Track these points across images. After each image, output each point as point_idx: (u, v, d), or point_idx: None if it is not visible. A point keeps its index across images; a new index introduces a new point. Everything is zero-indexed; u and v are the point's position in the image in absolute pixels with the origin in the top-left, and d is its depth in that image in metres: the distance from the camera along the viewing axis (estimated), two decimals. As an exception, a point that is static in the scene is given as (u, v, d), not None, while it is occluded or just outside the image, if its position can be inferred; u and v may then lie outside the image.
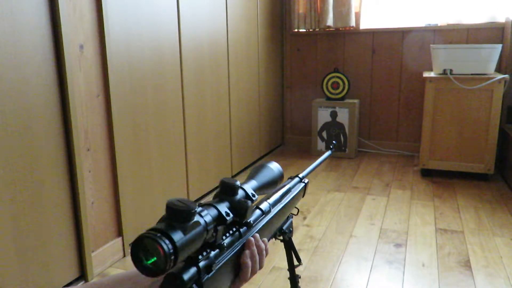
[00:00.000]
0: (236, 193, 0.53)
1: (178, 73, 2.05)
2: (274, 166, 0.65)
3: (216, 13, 2.38)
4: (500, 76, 2.45)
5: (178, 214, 0.42)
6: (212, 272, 0.49)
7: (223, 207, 0.50)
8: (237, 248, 0.55)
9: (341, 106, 3.21)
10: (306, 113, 3.51)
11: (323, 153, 3.51)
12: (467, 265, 1.64)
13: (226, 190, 0.52)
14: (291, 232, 0.78)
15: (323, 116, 3.27)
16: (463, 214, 2.14)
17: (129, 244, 0.42)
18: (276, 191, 0.70)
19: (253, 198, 0.56)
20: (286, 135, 3.68)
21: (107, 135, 1.61)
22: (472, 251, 1.75)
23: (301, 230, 1.97)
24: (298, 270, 1.60)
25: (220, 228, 0.50)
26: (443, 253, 1.73)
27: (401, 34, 3.19)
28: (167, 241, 0.39)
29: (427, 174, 2.75)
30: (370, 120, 3.41)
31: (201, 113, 2.28)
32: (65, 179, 1.43)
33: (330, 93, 3.26)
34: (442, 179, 2.68)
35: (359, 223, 2.05)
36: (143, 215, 1.86)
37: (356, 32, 3.31)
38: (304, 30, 3.41)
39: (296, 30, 3.42)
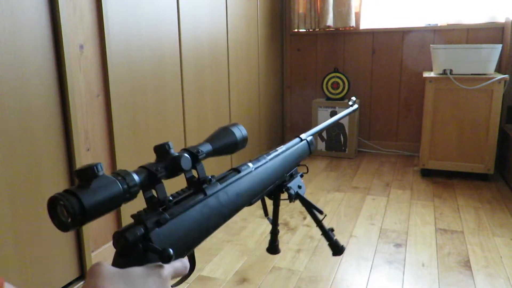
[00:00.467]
0: (168, 152, 0.53)
1: (178, 73, 2.05)
2: (236, 128, 0.64)
3: (216, 13, 2.38)
4: (500, 76, 2.45)
5: (83, 174, 0.43)
6: (163, 226, 0.49)
7: (154, 166, 0.51)
8: (200, 205, 0.55)
9: (341, 106, 3.21)
10: (306, 113, 3.51)
11: (323, 153, 3.46)
12: (467, 265, 1.64)
13: (159, 152, 0.53)
14: (300, 188, 0.78)
15: (323, 116, 3.27)
16: (463, 214, 2.14)
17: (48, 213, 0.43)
18: (273, 152, 0.70)
19: (198, 155, 0.56)
20: (286, 135, 3.68)
21: (107, 135, 1.61)
22: (472, 251, 1.75)
23: (301, 230, 1.97)
24: (297, 270, 1.60)
25: (160, 185, 0.51)
26: (443, 253, 1.73)
27: (401, 34, 3.19)
28: (73, 200, 0.41)
29: (427, 174, 2.75)
30: (370, 120, 3.41)
31: (201, 113, 2.28)
32: (65, 179, 1.43)
33: (330, 93, 3.26)
34: (442, 179, 2.68)
35: (359, 223, 2.05)
36: (143, 215, 1.86)
37: (356, 32, 3.31)
38: (304, 30, 3.41)
39: (296, 30, 3.42)
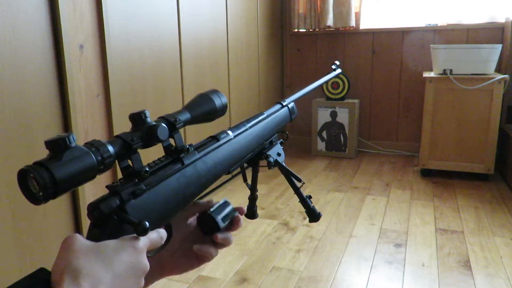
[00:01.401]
0: (145, 121, 0.51)
1: (178, 73, 2.05)
2: (215, 95, 0.61)
3: (216, 13, 2.39)
4: (500, 76, 2.45)
5: (54, 145, 0.42)
6: (139, 197, 0.48)
7: (129, 136, 0.49)
8: (178, 174, 0.54)
9: (341, 106, 3.21)
10: (306, 113, 3.51)
11: (323, 153, 3.46)
12: (467, 265, 1.64)
13: (135, 121, 0.51)
14: (280, 156, 0.76)
15: (323, 116, 3.27)
16: (463, 214, 2.14)
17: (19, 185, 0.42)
18: (253, 119, 0.68)
19: (176, 124, 0.54)
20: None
21: (107, 135, 1.61)
22: (472, 251, 1.75)
23: (301, 230, 1.97)
24: (297, 270, 1.60)
25: (135, 156, 0.49)
26: (443, 253, 1.73)
27: (401, 34, 3.19)
28: (44, 173, 0.40)
29: (427, 174, 2.75)
30: (370, 120, 3.41)
31: (201, 113, 2.28)
32: (65, 179, 1.43)
33: (330, 93, 3.26)
34: (442, 179, 2.68)
35: (359, 223, 2.05)
36: (143, 215, 1.86)
37: (356, 32, 3.31)
38: (304, 30, 3.41)
39: (296, 30, 3.42)
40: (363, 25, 3.31)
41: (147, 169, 0.50)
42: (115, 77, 1.61)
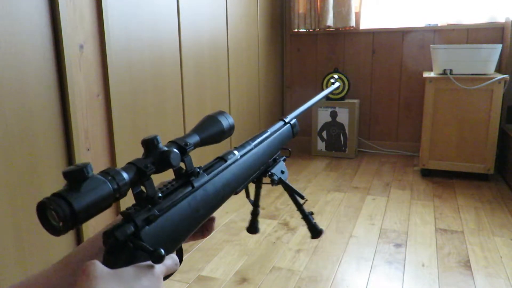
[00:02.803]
0: (157, 146, 0.52)
1: (178, 73, 2.05)
2: (222, 117, 0.63)
3: (216, 13, 2.39)
4: (500, 76, 2.45)
5: (72, 176, 0.43)
6: (153, 223, 0.49)
7: (143, 162, 0.50)
8: (189, 198, 0.55)
9: (341, 106, 3.21)
10: (306, 113, 3.51)
11: (323, 153, 3.46)
12: (467, 265, 1.64)
13: (148, 147, 0.52)
14: (283, 173, 0.77)
15: (323, 116, 3.27)
16: (463, 214, 2.14)
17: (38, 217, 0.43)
18: (257, 137, 0.70)
19: (186, 148, 0.55)
20: (286, 135, 3.67)
21: (107, 135, 1.61)
22: (472, 251, 1.75)
23: (301, 230, 1.97)
24: (297, 270, 1.60)
25: (149, 182, 0.50)
26: (443, 253, 1.73)
27: (401, 34, 3.19)
28: (63, 204, 0.41)
29: (427, 174, 2.75)
30: (370, 120, 3.41)
31: (201, 113, 2.28)
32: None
33: (330, 93, 3.26)
34: (442, 179, 2.68)
35: (359, 223, 2.05)
36: (143, 215, 1.86)
37: (356, 32, 3.31)
38: (304, 30, 3.41)
39: (296, 30, 3.42)
40: (363, 25, 3.31)
41: (160, 194, 0.51)
42: (115, 77, 1.61)
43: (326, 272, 1.61)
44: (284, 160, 0.78)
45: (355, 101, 3.22)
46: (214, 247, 1.82)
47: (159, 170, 0.52)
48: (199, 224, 0.57)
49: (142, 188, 0.51)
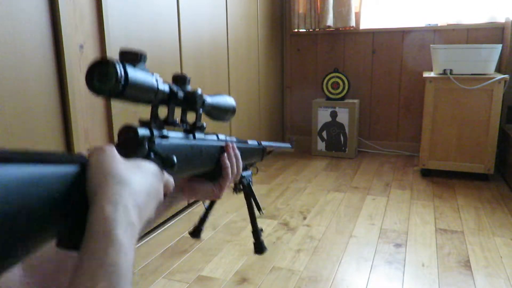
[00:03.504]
0: (186, 84, 0.56)
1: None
2: (230, 98, 0.69)
3: (216, 13, 2.38)
4: (500, 76, 2.45)
5: (131, 56, 0.46)
6: (165, 140, 0.52)
7: (175, 87, 0.54)
8: (191, 144, 0.59)
9: (341, 106, 3.21)
10: (306, 113, 3.51)
11: (323, 153, 3.46)
12: (467, 265, 1.64)
13: (177, 83, 0.56)
14: (250, 182, 0.82)
15: (323, 116, 3.27)
16: (463, 214, 2.14)
17: (86, 73, 0.46)
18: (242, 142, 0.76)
19: (204, 101, 0.60)
20: (286, 135, 3.68)
21: (107, 135, 1.61)
22: (472, 251, 1.75)
23: (301, 230, 1.97)
24: (297, 270, 1.60)
25: (172, 106, 0.54)
26: (443, 253, 1.73)
27: (401, 34, 3.19)
28: (121, 66, 0.43)
29: (427, 174, 2.75)
30: (370, 120, 3.41)
31: (201, 113, 2.28)
32: (65, 179, 1.43)
33: (330, 93, 3.26)
34: (442, 179, 2.68)
35: (359, 223, 2.05)
36: (143, 215, 1.86)
37: (356, 32, 3.31)
38: (304, 30, 3.41)
39: (296, 30, 3.42)
40: (363, 25, 3.31)
41: (177, 121, 0.55)
42: (115, 77, 1.61)
43: (326, 272, 1.61)
44: (251, 174, 0.84)
45: (355, 101, 3.22)
46: (214, 247, 1.82)
47: (182, 105, 0.56)
48: (193, 172, 0.61)
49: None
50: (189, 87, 0.57)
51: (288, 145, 1.00)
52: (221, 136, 0.67)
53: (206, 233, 1.94)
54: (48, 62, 1.34)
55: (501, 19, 2.90)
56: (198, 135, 0.61)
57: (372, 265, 1.65)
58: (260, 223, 2.10)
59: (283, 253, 1.75)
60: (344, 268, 1.63)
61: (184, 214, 2.16)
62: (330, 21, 3.21)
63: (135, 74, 0.45)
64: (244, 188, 0.80)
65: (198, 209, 2.21)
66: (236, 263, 1.68)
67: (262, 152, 0.83)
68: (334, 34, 3.36)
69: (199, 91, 0.57)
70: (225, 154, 0.65)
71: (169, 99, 0.53)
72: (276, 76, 3.43)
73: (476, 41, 2.97)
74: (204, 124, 0.61)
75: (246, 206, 0.83)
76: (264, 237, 1.91)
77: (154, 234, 1.94)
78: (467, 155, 2.60)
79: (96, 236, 0.37)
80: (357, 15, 3.28)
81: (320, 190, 2.52)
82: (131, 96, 0.45)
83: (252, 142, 0.79)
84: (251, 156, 0.79)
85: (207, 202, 0.82)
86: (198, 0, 2.17)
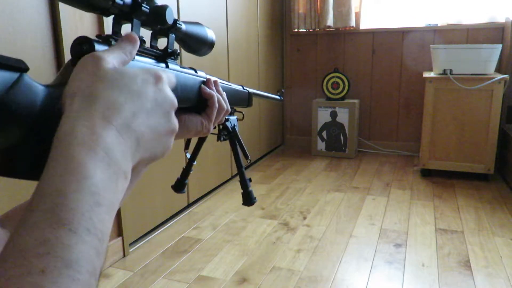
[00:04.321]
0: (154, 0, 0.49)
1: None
2: (209, 29, 0.62)
3: (216, 13, 2.38)
4: (500, 76, 2.45)
5: None
6: (133, 63, 0.44)
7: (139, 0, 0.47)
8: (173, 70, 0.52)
9: (341, 106, 3.21)
10: (306, 113, 3.51)
11: (323, 153, 3.45)
12: (467, 265, 1.64)
13: None
14: (236, 126, 0.75)
15: (323, 116, 3.27)
16: (463, 214, 2.14)
17: None
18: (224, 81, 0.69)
19: (177, 22, 0.52)
20: (286, 135, 3.68)
21: (107, 135, 1.61)
22: (472, 251, 1.75)
23: (301, 230, 1.97)
24: (297, 270, 1.60)
25: (136, 22, 0.47)
26: (443, 253, 1.73)
27: (401, 34, 3.19)
28: None
29: (427, 174, 2.75)
30: (370, 120, 3.41)
31: (201, 113, 2.28)
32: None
33: (330, 93, 3.26)
34: (442, 179, 2.68)
35: (359, 223, 2.05)
36: (143, 215, 1.86)
37: (356, 32, 3.31)
38: (304, 30, 3.41)
39: (296, 30, 3.42)
40: (363, 25, 3.31)
41: (144, 39, 0.48)
42: (115, 77, 1.61)
43: (326, 272, 1.61)
44: (237, 119, 0.76)
45: (355, 101, 3.22)
46: (214, 247, 1.82)
47: (149, 22, 0.49)
48: None
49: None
50: (157, 2, 0.49)
51: (276, 96, 0.96)
52: (200, 72, 0.60)
53: (206, 233, 1.94)
54: (48, 62, 1.34)
55: (501, 19, 2.90)
56: (171, 64, 0.53)
57: (372, 265, 1.65)
58: (261, 223, 2.11)
59: (283, 253, 1.75)
60: (344, 268, 1.63)
61: (184, 214, 2.16)
62: (330, 21, 3.21)
63: None
64: (229, 133, 0.72)
65: (198, 209, 2.22)
66: (236, 263, 1.68)
67: (247, 97, 0.77)
68: (334, 34, 3.36)
69: (170, 7, 0.49)
70: (203, 86, 0.58)
71: (131, 11, 0.45)
72: (276, 76, 3.43)
73: (476, 41, 2.97)
74: (178, 50, 0.53)
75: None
76: (264, 237, 1.91)
77: (154, 234, 1.94)
78: (467, 155, 2.60)
79: (53, 168, 0.28)
80: (357, 15, 3.28)
81: (320, 190, 2.52)
82: None
83: (236, 86, 0.73)
84: (236, 99, 0.72)
85: (189, 152, 0.76)
86: (198, 0, 2.17)
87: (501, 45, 2.56)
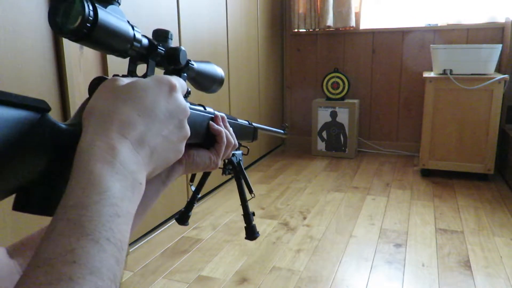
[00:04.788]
0: (168, 40, 0.51)
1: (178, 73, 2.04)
2: (218, 67, 0.65)
3: (216, 13, 2.38)
4: (500, 76, 2.45)
5: None
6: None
7: (155, 41, 0.50)
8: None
9: (341, 106, 3.21)
10: (306, 113, 3.51)
11: (323, 153, 3.46)
12: (467, 265, 1.64)
13: (159, 38, 0.51)
14: (241, 161, 0.76)
15: (323, 116, 3.27)
16: (463, 214, 2.14)
17: (49, 10, 0.39)
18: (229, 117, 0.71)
19: (189, 62, 0.54)
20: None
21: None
22: (472, 251, 1.75)
23: (301, 230, 1.97)
24: (297, 270, 1.60)
25: (151, 63, 0.49)
26: (443, 253, 1.73)
27: (401, 34, 3.19)
28: (89, 3, 0.38)
29: (427, 174, 2.75)
30: (370, 120, 3.41)
31: (201, 113, 2.28)
32: (65, 179, 1.43)
33: (330, 93, 3.26)
34: (442, 179, 2.68)
35: (359, 223, 2.05)
36: (143, 215, 1.86)
37: (356, 32, 3.31)
38: (304, 30, 3.41)
39: (296, 30, 3.42)
40: (363, 25, 3.31)
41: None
42: (115, 77, 1.61)
43: (326, 272, 1.61)
44: (242, 154, 0.78)
45: (355, 101, 3.22)
46: (214, 247, 1.82)
47: (163, 63, 0.51)
48: None
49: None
50: (171, 43, 0.51)
51: (280, 130, 0.97)
52: (209, 109, 0.62)
53: (206, 233, 1.94)
54: (48, 62, 1.34)
55: (501, 19, 2.90)
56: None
57: (372, 265, 1.65)
58: (261, 223, 2.10)
59: (283, 253, 1.75)
60: (344, 268, 1.63)
61: (184, 214, 2.15)
62: (330, 21, 3.21)
63: (106, 15, 0.39)
64: (234, 167, 0.74)
65: (198, 209, 2.22)
66: (236, 263, 1.68)
67: (253, 132, 0.79)
68: (334, 34, 3.36)
69: (183, 48, 0.51)
70: (211, 122, 0.60)
71: (148, 53, 0.48)
72: (276, 76, 3.43)
73: (476, 41, 2.97)
74: (189, 89, 0.55)
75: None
76: (264, 237, 1.91)
77: (154, 234, 1.94)
78: (467, 155, 2.60)
79: (76, 189, 0.30)
80: (357, 15, 3.28)
81: (320, 190, 2.52)
82: (100, 40, 0.39)
83: (242, 121, 0.75)
84: (242, 134, 0.75)
85: (194, 185, 0.77)
86: (198, 0, 2.17)
87: (501, 45, 2.56)
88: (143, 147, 0.35)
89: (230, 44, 2.55)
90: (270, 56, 3.27)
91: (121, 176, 0.31)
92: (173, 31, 1.97)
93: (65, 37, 0.38)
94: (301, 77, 3.54)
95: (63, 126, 0.36)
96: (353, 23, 3.21)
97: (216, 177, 2.49)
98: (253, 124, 0.80)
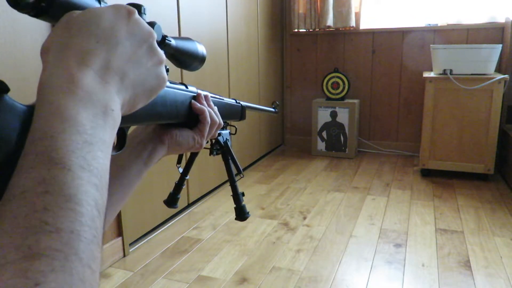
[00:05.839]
0: (142, 14, 0.45)
1: (178, 73, 2.05)
2: (200, 44, 0.61)
3: (216, 13, 2.38)
4: (500, 76, 2.45)
5: None
6: None
7: None
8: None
9: (341, 106, 3.21)
10: (306, 113, 3.51)
11: (323, 153, 3.45)
12: (467, 265, 1.64)
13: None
14: (228, 140, 0.74)
15: (323, 116, 3.27)
16: (463, 214, 2.14)
17: None
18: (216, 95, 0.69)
19: (166, 38, 0.50)
20: (286, 135, 3.68)
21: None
22: (472, 251, 1.75)
23: (301, 230, 1.97)
24: (297, 270, 1.60)
25: None
26: (443, 253, 1.73)
27: (401, 34, 3.19)
28: None
29: (427, 174, 2.75)
30: (370, 120, 3.41)
31: (201, 113, 2.28)
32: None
33: (330, 93, 3.26)
34: (442, 179, 2.68)
35: (359, 223, 2.05)
36: (143, 216, 1.86)
37: (356, 32, 3.31)
38: (304, 30, 3.41)
39: (296, 30, 3.42)
40: (363, 25, 3.31)
41: None
42: (115, 77, 1.61)
43: (326, 272, 1.61)
44: (230, 133, 0.76)
45: (355, 101, 3.22)
46: (214, 247, 1.82)
47: None
48: (160, 120, 0.52)
49: None
50: (144, 17, 0.47)
51: (271, 109, 0.95)
52: (192, 87, 0.59)
53: (206, 233, 1.94)
54: (48, 62, 1.34)
55: (501, 19, 2.90)
56: None
57: (372, 265, 1.65)
58: (261, 223, 2.11)
59: (283, 253, 1.75)
60: (344, 268, 1.63)
61: (184, 214, 2.16)
62: (330, 21, 3.21)
63: None
64: (221, 147, 0.72)
65: (198, 209, 2.22)
66: (236, 263, 1.68)
67: (240, 111, 0.76)
68: (334, 34, 3.36)
69: (158, 23, 0.47)
70: (193, 101, 0.57)
71: None
72: (276, 76, 3.43)
73: (476, 41, 2.97)
74: (167, 67, 0.51)
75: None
76: (264, 237, 1.91)
77: (154, 234, 1.94)
78: (467, 155, 2.60)
79: (39, 118, 0.29)
80: (357, 15, 3.28)
81: (320, 190, 2.52)
82: (60, 14, 0.35)
83: (229, 100, 0.72)
84: (228, 113, 0.72)
85: (182, 167, 0.76)
86: (198, 0, 2.17)
87: (501, 45, 2.56)
88: (109, 73, 0.33)
89: (230, 44, 2.55)
90: (270, 56, 3.27)
91: (87, 103, 0.30)
92: (173, 30, 1.97)
93: (23, 13, 0.35)
94: (301, 77, 3.54)
95: (23, 107, 0.34)
96: (353, 23, 3.21)
97: (216, 177, 2.49)
98: (241, 102, 0.76)
